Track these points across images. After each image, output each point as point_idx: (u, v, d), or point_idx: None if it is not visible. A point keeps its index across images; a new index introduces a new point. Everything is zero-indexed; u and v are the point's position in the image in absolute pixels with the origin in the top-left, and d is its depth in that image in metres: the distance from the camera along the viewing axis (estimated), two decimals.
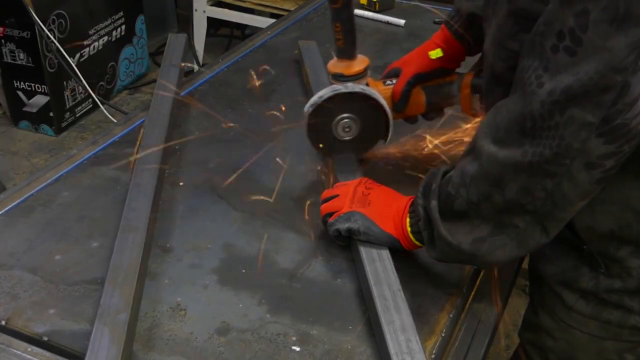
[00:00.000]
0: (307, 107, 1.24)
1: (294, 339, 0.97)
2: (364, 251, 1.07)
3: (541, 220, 0.88)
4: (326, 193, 1.16)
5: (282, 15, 2.49)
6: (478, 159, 0.90)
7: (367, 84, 1.26)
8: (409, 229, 1.04)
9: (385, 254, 1.07)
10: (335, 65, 1.24)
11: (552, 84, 0.79)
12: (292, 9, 2.77)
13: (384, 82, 1.32)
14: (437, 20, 2.06)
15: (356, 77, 1.23)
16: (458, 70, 1.32)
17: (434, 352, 0.97)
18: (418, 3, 2.14)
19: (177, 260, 1.10)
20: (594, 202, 0.90)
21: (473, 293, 1.09)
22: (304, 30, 2.00)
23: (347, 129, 1.26)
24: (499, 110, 0.88)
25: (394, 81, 1.31)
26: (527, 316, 1.16)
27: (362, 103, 1.23)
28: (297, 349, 0.96)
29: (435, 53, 1.29)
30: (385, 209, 1.08)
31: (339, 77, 1.23)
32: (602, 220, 0.95)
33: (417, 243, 1.04)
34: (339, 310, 1.03)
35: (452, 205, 0.94)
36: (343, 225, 1.08)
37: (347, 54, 1.22)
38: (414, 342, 0.91)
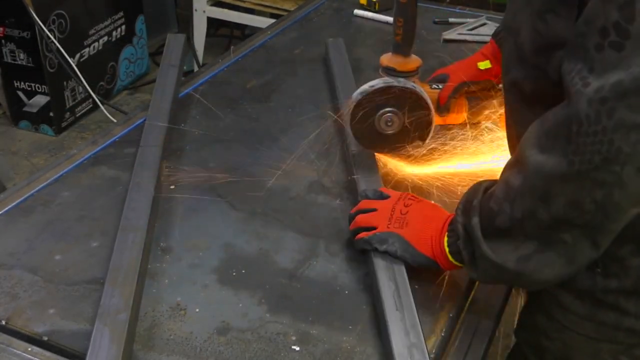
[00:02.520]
0: (356, 94, 1.24)
1: (293, 338, 0.97)
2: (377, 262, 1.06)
3: (591, 234, 0.84)
4: (364, 204, 1.12)
5: (282, 15, 2.49)
6: (523, 170, 0.86)
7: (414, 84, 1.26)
8: (447, 249, 0.99)
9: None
10: (389, 59, 1.24)
11: (600, 82, 0.75)
12: (292, 9, 2.77)
13: (431, 86, 1.33)
14: (436, 20, 2.06)
15: (408, 75, 1.24)
16: None
17: (433, 351, 0.97)
18: (418, 3, 2.14)
19: (177, 260, 1.10)
20: None
21: (473, 293, 1.09)
22: (304, 30, 2.00)
23: (389, 123, 1.24)
24: (545, 118, 0.84)
25: (440, 86, 1.32)
26: (523, 316, 1.15)
27: (410, 100, 1.23)
28: (297, 348, 0.96)
29: (484, 64, 1.31)
30: (423, 229, 1.04)
31: (391, 72, 1.24)
32: None
33: (457, 263, 0.99)
34: (338, 309, 1.03)
35: (494, 222, 0.90)
36: (380, 247, 1.05)
37: (402, 50, 1.23)
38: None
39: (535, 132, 0.85)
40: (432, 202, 1.13)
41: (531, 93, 0.94)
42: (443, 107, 1.31)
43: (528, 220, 0.86)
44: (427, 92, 1.28)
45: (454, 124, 1.35)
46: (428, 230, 1.03)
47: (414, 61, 1.25)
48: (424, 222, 1.05)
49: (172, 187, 1.28)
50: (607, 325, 0.99)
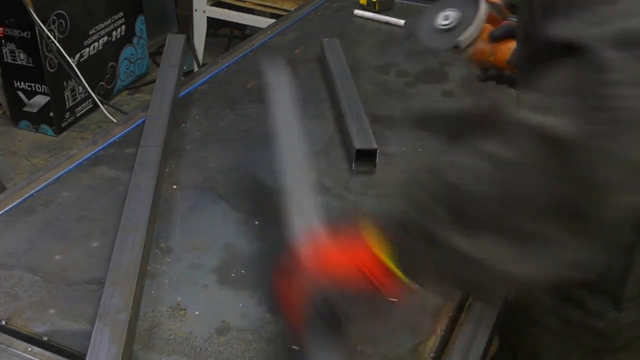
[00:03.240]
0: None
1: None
2: None
3: (586, 227, 0.66)
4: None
5: (282, 15, 2.49)
6: (513, 139, 0.67)
7: None
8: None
9: None
10: None
11: (620, 26, 0.63)
12: (292, 9, 2.77)
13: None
14: None
15: None
16: None
17: (433, 351, 0.97)
18: (418, 3, 2.14)
19: (177, 260, 1.10)
20: None
21: None
22: (304, 30, 2.00)
23: (446, 21, 1.28)
24: (545, 80, 0.68)
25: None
26: (506, 310, 1.10)
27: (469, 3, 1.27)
28: (297, 348, 0.96)
29: None
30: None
31: None
32: None
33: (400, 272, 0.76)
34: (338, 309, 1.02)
35: (452, 200, 0.70)
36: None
37: None
38: None
39: (533, 97, 0.69)
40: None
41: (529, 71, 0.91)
42: (495, 31, 1.31)
43: (505, 202, 0.67)
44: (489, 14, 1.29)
45: (488, 63, 1.34)
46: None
47: None
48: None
49: (174, 186, 1.28)
50: (572, 323, 0.98)
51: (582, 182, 0.64)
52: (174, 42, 1.70)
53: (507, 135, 0.68)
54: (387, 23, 2.05)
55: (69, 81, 3.17)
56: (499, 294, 0.81)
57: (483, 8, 1.26)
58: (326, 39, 1.79)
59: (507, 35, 1.28)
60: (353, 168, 1.34)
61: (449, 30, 1.28)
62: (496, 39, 1.30)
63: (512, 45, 1.28)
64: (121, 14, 3.45)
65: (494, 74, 1.32)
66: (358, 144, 1.34)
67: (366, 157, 1.34)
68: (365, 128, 1.39)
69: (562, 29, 0.68)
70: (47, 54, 3.00)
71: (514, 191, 0.67)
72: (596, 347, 0.99)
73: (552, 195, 0.65)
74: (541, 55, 0.75)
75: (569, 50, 0.66)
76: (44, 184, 1.27)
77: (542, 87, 0.68)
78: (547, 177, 0.65)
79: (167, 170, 1.32)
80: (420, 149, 1.40)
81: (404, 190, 0.76)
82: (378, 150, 1.33)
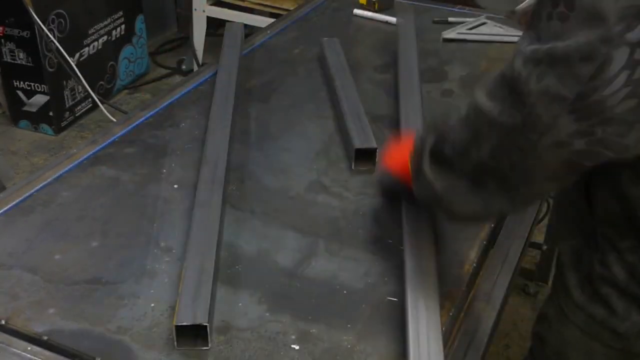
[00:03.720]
0: None
1: (293, 337, 0.97)
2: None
3: (507, 189, 0.88)
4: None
5: (281, 15, 2.49)
6: (468, 104, 0.90)
7: None
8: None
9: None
10: None
11: (539, 45, 0.77)
12: (292, 8, 2.77)
13: None
14: (436, 19, 2.06)
15: None
16: None
17: None
18: (418, 3, 2.14)
19: (177, 259, 1.10)
20: (617, 181, 0.88)
21: (473, 292, 1.09)
22: (304, 30, 2.00)
23: None
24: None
25: None
26: (541, 308, 1.15)
27: None
28: (297, 347, 0.96)
29: None
30: (395, 155, 1.14)
31: None
32: (616, 203, 0.92)
33: None
34: (338, 308, 1.03)
35: (443, 147, 0.94)
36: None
37: None
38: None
39: (490, 80, 0.87)
40: None
41: None
42: None
43: (463, 154, 0.90)
44: None
45: None
46: (398, 154, 1.12)
47: None
48: (397, 149, 1.15)
49: (175, 186, 1.28)
50: (596, 320, 0.99)
51: (497, 154, 0.85)
52: (233, 28, 1.82)
53: (470, 104, 0.89)
54: (386, 22, 2.05)
55: (69, 80, 3.17)
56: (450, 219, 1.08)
57: None
58: (325, 39, 1.79)
59: None
60: (352, 167, 1.34)
61: None
62: None
63: None
64: (121, 13, 3.45)
65: None
66: (358, 143, 1.34)
67: (366, 156, 1.34)
68: (365, 127, 1.39)
69: (523, 33, 0.83)
70: (46, 53, 3.00)
71: (463, 146, 0.90)
72: (620, 349, 1.00)
73: (484, 156, 0.86)
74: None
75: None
76: (44, 183, 1.27)
77: (495, 75, 0.85)
78: (478, 141, 0.87)
79: (165, 170, 1.32)
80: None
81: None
82: (378, 150, 1.33)
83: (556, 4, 0.76)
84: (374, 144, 1.34)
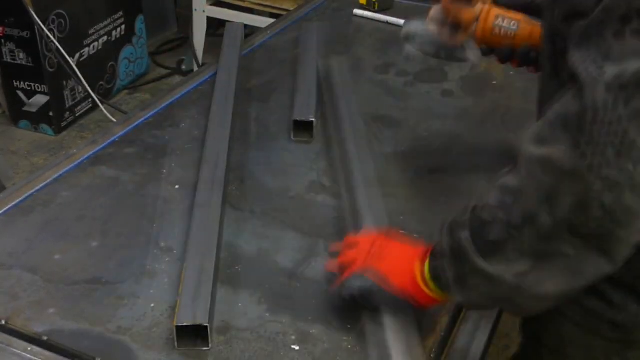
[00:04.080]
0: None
1: (293, 337, 0.97)
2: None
3: (598, 244, 0.76)
4: (346, 240, 1.05)
5: (281, 15, 2.49)
6: (523, 170, 0.78)
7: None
8: (428, 275, 0.90)
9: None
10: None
11: (619, 68, 0.70)
12: (292, 8, 2.77)
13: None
14: None
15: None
16: None
17: (433, 351, 0.97)
18: (418, 3, 2.14)
19: (177, 260, 1.10)
20: None
21: None
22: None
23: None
24: (549, 114, 0.78)
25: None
26: None
27: None
28: (297, 347, 0.96)
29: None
30: (399, 262, 0.95)
31: None
32: None
33: (434, 294, 0.91)
34: (338, 309, 1.02)
35: (488, 234, 0.80)
36: (355, 284, 0.96)
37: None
38: None
39: (537, 127, 0.79)
40: (417, 238, 1.04)
41: (552, 69, 0.93)
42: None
43: (528, 227, 0.77)
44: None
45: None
46: (395, 263, 0.95)
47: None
48: (401, 254, 0.96)
49: (177, 187, 1.28)
50: (593, 314, 0.97)
51: (584, 205, 0.73)
52: (233, 29, 1.84)
53: (518, 167, 0.79)
54: (386, 23, 2.05)
55: (69, 81, 3.17)
56: (532, 309, 0.87)
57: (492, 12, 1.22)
58: (305, 23, 1.85)
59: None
60: (292, 138, 1.43)
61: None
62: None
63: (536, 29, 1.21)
64: (121, 13, 3.45)
65: (504, 51, 1.26)
66: (297, 115, 1.44)
67: (304, 128, 1.43)
68: (310, 102, 1.48)
69: (573, 56, 0.76)
70: (46, 53, 3.00)
71: (526, 216, 0.77)
72: (618, 340, 0.99)
73: (562, 216, 0.75)
74: (562, 58, 0.82)
75: (573, 77, 0.75)
76: (44, 183, 1.27)
77: (546, 121, 0.77)
78: (552, 200, 0.75)
79: (165, 170, 1.32)
80: (420, 149, 1.40)
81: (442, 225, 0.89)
82: (314, 122, 1.42)
83: (627, 20, 0.72)
84: (311, 117, 1.43)
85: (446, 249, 0.87)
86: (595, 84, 0.72)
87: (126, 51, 3.56)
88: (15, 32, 2.97)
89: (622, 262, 0.78)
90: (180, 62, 3.88)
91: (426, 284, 0.91)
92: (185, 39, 4.04)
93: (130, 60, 3.61)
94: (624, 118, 0.70)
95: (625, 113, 0.70)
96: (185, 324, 0.94)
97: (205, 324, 0.94)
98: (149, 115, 1.51)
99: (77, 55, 3.18)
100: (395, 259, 0.96)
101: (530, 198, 0.77)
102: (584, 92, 0.73)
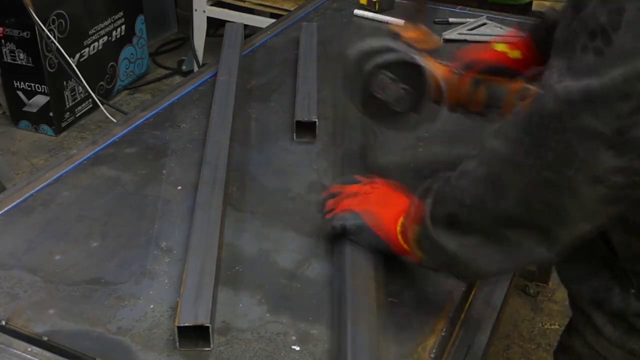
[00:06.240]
0: (352, 51, 1.18)
1: (293, 338, 0.97)
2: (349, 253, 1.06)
3: (537, 236, 0.82)
4: (334, 188, 1.15)
5: (282, 15, 2.49)
6: (479, 156, 0.87)
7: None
8: (398, 228, 1.00)
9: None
10: (399, 27, 1.22)
11: (572, 83, 0.74)
12: (292, 9, 2.77)
13: (439, 61, 1.22)
14: (437, 20, 2.06)
15: (416, 48, 1.18)
16: None
17: (433, 351, 0.97)
18: None
19: (177, 260, 1.10)
20: (634, 217, 0.85)
21: (473, 293, 1.09)
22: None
23: (383, 88, 1.16)
24: (513, 112, 0.84)
25: (457, 70, 1.22)
26: (563, 338, 1.11)
27: (409, 68, 1.15)
28: (297, 348, 0.96)
29: (501, 46, 1.25)
30: (381, 210, 1.05)
31: (396, 37, 1.19)
32: (638, 240, 0.89)
33: (404, 246, 0.99)
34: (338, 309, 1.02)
35: (446, 206, 0.90)
36: (337, 222, 1.07)
37: (414, 20, 1.22)
38: None
39: (500, 122, 0.86)
40: (402, 185, 1.10)
41: None
42: (462, 92, 1.21)
43: (477, 209, 0.86)
44: (433, 65, 1.18)
45: (455, 104, 1.23)
46: (386, 211, 1.04)
47: (431, 41, 1.20)
48: (385, 203, 1.06)
49: (179, 187, 1.28)
50: (636, 354, 0.95)
51: (525, 198, 0.81)
52: (233, 29, 1.84)
53: (477, 154, 0.87)
54: (387, 23, 2.05)
55: (69, 81, 3.17)
56: (470, 278, 1.04)
57: (444, 85, 1.17)
58: (305, 23, 1.84)
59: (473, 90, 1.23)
60: (294, 138, 1.43)
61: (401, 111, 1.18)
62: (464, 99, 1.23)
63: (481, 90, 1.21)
64: (121, 13, 3.45)
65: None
66: (299, 116, 1.44)
67: (306, 128, 1.43)
68: (311, 103, 1.48)
69: (550, 61, 0.80)
70: (47, 53, 3.00)
71: (476, 200, 0.86)
72: None
73: (505, 205, 0.82)
74: None
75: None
76: (44, 184, 1.27)
77: (507, 118, 0.84)
78: (497, 189, 0.83)
79: (165, 171, 1.32)
80: (420, 149, 1.40)
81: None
82: (317, 122, 1.41)
83: (593, 36, 0.73)
84: (314, 118, 1.43)
85: (413, 211, 0.96)
86: (548, 92, 0.76)
87: (126, 51, 3.56)
88: (16, 33, 2.97)
89: (562, 253, 0.84)
90: (181, 62, 3.88)
91: (398, 236, 1.00)
92: (185, 39, 4.04)
93: (131, 61, 3.61)
94: (568, 129, 0.75)
95: (570, 125, 0.74)
96: (186, 325, 0.93)
97: (207, 325, 0.94)
98: (149, 115, 1.51)
99: (77, 55, 3.18)
100: (387, 207, 1.05)
101: (481, 185, 0.85)
102: (538, 97, 0.78)
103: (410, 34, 1.21)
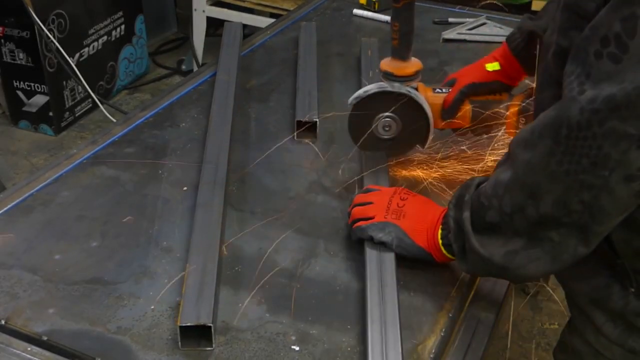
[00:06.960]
0: (351, 100, 1.26)
1: (293, 338, 0.97)
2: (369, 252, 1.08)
3: (578, 233, 0.86)
4: (359, 197, 1.15)
5: (281, 15, 2.49)
6: (512, 167, 0.89)
7: (417, 88, 1.26)
8: (440, 241, 1.03)
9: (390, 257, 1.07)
10: (387, 63, 1.26)
11: (594, 92, 0.77)
12: (292, 8, 2.77)
13: (434, 89, 1.32)
14: (436, 20, 2.06)
15: (406, 79, 1.25)
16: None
17: (433, 351, 0.97)
18: (418, 3, 2.14)
19: (178, 260, 1.10)
20: (634, 214, 0.86)
21: (472, 292, 1.09)
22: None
23: (387, 128, 1.27)
24: (539, 118, 0.86)
25: (445, 90, 1.31)
26: (563, 337, 1.12)
27: (406, 105, 1.24)
28: (297, 348, 0.96)
29: (492, 66, 1.30)
30: (418, 221, 1.07)
31: (389, 76, 1.25)
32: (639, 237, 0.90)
33: (449, 256, 1.03)
34: (338, 309, 1.03)
35: (485, 216, 0.92)
36: (377, 235, 1.08)
37: (400, 54, 1.24)
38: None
39: (525, 129, 0.88)
40: (426, 197, 1.14)
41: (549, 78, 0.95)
42: (447, 110, 1.29)
43: (517, 215, 0.88)
44: (429, 96, 1.28)
45: (461, 127, 1.32)
46: (424, 223, 1.06)
47: (413, 65, 1.25)
48: (420, 214, 1.08)
49: (177, 187, 1.28)
50: (637, 353, 0.96)
51: (564, 201, 0.84)
52: (232, 28, 1.84)
53: (509, 162, 0.90)
54: (386, 22, 2.05)
55: (69, 81, 3.17)
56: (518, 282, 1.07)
57: (428, 112, 1.26)
58: (304, 23, 1.85)
59: (455, 108, 1.30)
60: (295, 138, 1.43)
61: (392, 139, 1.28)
62: (451, 116, 1.30)
63: (466, 108, 1.29)
64: (121, 13, 3.45)
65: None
66: (300, 115, 1.44)
67: (307, 128, 1.43)
68: (312, 103, 1.48)
69: (567, 67, 0.82)
70: (46, 53, 3.00)
71: (515, 207, 0.88)
72: None
73: (545, 209, 0.85)
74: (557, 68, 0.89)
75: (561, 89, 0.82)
76: (44, 183, 1.27)
77: (534, 126, 0.86)
78: (536, 196, 0.86)
79: (165, 170, 1.32)
80: (419, 149, 1.40)
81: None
82: (318, 122, 1.42)
83: (606, 43, 0.76)
84: (315, 118, 1.43)
85: (452, 223, 0.98)
86: (572, 103, 0.79)
87: (126, 51, 3.56)
88: (15, 32, 2.97)
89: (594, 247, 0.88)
90: (180, 62, 3.88)
91: (440, 247, 1.03)
92: (185, 39, 4.04)
93: (130, 60, 3.61)
94: (598, 136, 0.78)
95: (600, 132, 0.78)
96: (189, 324, 0.93)
97: (209, 324, 0.94)
98: (149, 115, 1.51)
99: (77, 55, 3.18)
100: (415, 218, 1.08)
101: (518, 193, 0.88)
102: (563, 108, 0.81)
103: (388, 66, 1.26)
